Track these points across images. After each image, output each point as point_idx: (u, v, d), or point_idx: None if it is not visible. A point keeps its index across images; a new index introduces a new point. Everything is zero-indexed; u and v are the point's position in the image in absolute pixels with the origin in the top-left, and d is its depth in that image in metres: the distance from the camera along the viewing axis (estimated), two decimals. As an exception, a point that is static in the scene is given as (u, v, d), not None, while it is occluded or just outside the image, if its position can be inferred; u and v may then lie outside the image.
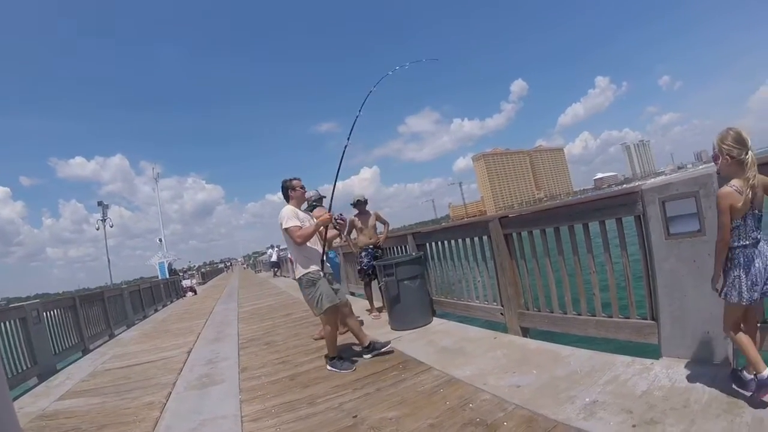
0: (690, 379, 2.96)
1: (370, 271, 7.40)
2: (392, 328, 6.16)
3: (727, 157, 2.53)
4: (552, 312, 4.51)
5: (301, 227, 4.71)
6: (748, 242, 2.54)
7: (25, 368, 6.69)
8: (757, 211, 2.53)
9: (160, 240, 41.65)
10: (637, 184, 3.34)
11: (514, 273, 4.93)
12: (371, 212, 7.50)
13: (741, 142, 2.48)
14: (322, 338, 6.35)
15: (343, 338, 5.50)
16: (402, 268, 6.08)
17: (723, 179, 2.69)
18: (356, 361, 4.85)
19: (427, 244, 6.71)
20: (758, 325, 2.79)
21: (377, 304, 7.54)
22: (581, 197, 4.78)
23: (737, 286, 2.57)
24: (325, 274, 4.86)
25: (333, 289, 4.86)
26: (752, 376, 2.57)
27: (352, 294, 10.58)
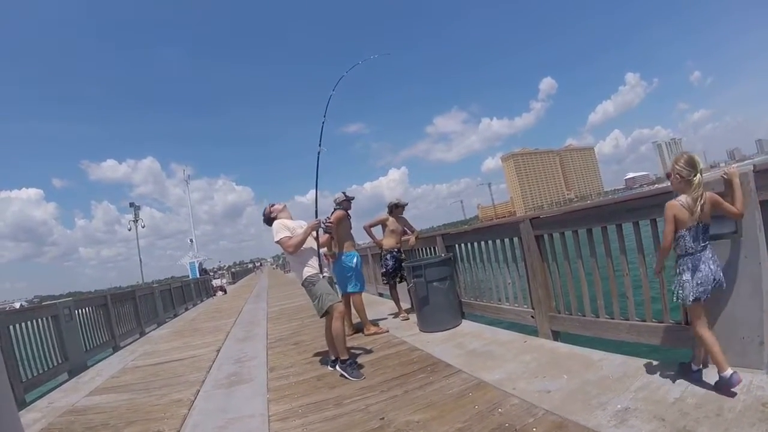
0: (725, 385, 2.86)
1: (394, 274, 7.41)
2: (421, 330, 6.14)
3: (678, 176, 2.98)
4: (584, 315, 4.43)
5: (291, 237, 4.85)
6: (693, 251, 2.95)
7: (56, 364, 6.85)
8: (701, 224, 2.93)
9: (191, 240, 42.40)
10: (669, 183, 3.29)
11: (545, 275, 4.86)
12: (405, 218, 7.54)
13: (691, 165, 2.92)
14: (371, 334, 6.36)
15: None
16: (431, 270, 6.05)
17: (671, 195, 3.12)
18: (362, 366, 4.86)
19: (456, 246, 6.66)
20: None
21: (404, 305, 7.50)
22: (613, 197, 4.70)
23: (686, 288, 2.94)
24: (324, 276, 4.95)
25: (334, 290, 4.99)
26: (698, 368, 3.07)
27: (381, 295, 10.57)
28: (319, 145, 5.30)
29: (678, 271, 3.03)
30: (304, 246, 4.89)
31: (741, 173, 2.99)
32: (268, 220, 5.11)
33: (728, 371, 2.76)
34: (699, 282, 2.90)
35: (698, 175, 2.90)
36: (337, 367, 4.73)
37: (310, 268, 4.90)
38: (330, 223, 5.68)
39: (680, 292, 2.98)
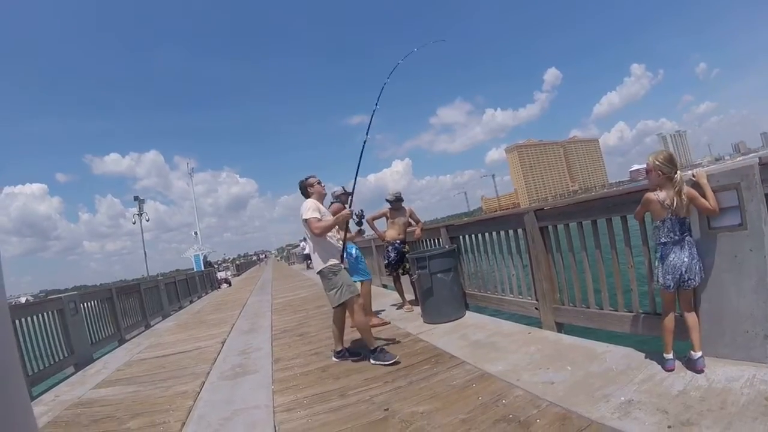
0: (728, 379, 2.87)
1: (396, 265, 7.42)
2: (425, 321, 6.15)
3: (659, 172, 3.19)
4: (588, 307, 4.43)
5: (320, 219, 4.76)
6: (667, 240, 3.20)
7: (62, 357, 6.88)
8: (675, 217, 3.16)
9: (196, 233, 42.45)
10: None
11: (550, 267, 4.85)
12: (406, 208, 7.51)
13: (672, 162, 3.19)
14: (373, 326, 6.37)
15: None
16: (435, 261, 6.04)
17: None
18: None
19: (461, 237, 6.65)
20: (695, 319, 3.22)
21: (408, 297, 7.53)
22: (618, 189, 4.69)
23: (656, 273, 3.30)
24: (344, 267, 4.90)
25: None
26: (699, 354, 3.11)
27: (384, 286, 10.57)
28: (366, 134, 5.23)
29: (656, 257, 3.35)
30: (329, 233, 4.84)
31: (747, 165, 2.99)
32: (304, 189, 5.02)
33: (669, 355, 3.21)
34: (666, 270, 3.20)
35: (678, 172, 3.16)
36: (371, 360, 4.66)
37: (332, 258, 4.83)
38: (362, 216, 5.50)
39: (656, 276, 3.34)
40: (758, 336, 2.96)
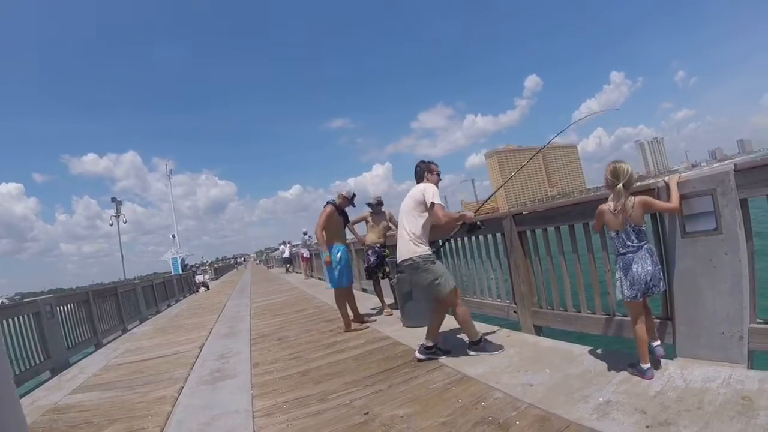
0: (704, 379, 2.92)
1: (376, 269, 7.47)
2: (404, 325, 6.17)
3: (605, 181, 3.31)
4: (566, 310, 4.48)
5: (444, 207, 4.48)
6: (625, 251, 3.24)
7: (38, 362, 6.77)
8: (629, 227, 3.22)
9: (174, 236, 42.03)
10: (651, 181, 3.43)
11: (528, 270, 4.90)
12: (386, 212, 7.53)
13: (614, 175, 3.23)
14: (351, 330, 6.33)
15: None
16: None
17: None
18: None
19: (440, 241, 6.65)
20: (652, 317, 3.43)
21: (388, 300, 7.57)
22: (595, 194, 4.72)
23: (619, 286, 3.30)
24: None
25: None
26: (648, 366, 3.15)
27: (364, 290, 10.57)
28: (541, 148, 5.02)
29: (616, 269, 3.38)
30: (431, 225, 4.60)
31: (723, 172, 3.05)
32: (422, 171, 4.76)
33: (647, 365, 3.14)
34: (631, 281, 3.21)
35: (620, 184, 3.20)
36: (470, 352, 4.48)
37: (428, 247, 4.56)
38: (478, 228, 5.21)
39: (616, 289, 3.38)
40: (734, 337, 3.02)
